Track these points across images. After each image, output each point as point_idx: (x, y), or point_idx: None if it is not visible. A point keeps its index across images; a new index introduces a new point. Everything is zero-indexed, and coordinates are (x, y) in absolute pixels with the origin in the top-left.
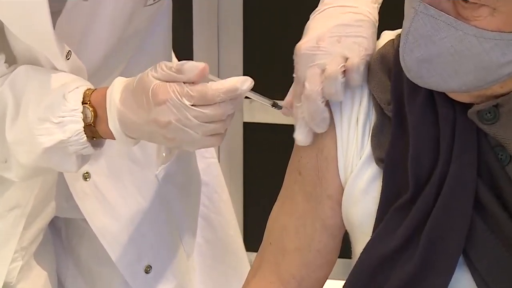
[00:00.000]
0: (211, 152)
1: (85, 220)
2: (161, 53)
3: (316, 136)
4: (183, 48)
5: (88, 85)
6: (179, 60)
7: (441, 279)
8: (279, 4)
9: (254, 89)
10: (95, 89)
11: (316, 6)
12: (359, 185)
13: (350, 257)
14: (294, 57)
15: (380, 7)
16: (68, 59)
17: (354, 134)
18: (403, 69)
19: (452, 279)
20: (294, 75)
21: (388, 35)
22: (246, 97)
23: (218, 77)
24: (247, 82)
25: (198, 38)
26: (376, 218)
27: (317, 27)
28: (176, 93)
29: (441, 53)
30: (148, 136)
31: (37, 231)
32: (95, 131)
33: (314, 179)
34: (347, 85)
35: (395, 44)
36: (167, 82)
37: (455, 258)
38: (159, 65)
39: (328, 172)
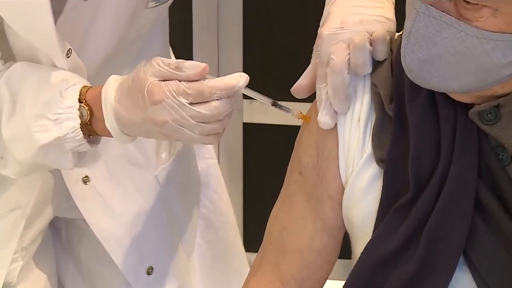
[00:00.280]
0: (211, 152)
1: (85, 220)
2: (161, 55)
3: (316, 136)
4: (183, 50)
5: (85, 82)
6: None
7: (442, 279)
8: (279, 6)
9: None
10: (91, 86)
11: (316, 8)
12: (359, 185)
13: (350, 258)
14: (317, 41)
15: None
16: (68, 57)
17: (356, 133)
18: (405, 69)
19: (453, 280)
20: (316, 60)
21: None
22: (247, 97)
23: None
24: (243, 78)
25: (198, 40)
26: (376, 218)
27: (338, 11)
28: (172, 92)
29: (442, 54)
30: (145, 134)
31: (37, 231)
32: (91, 129)
33: (314, 179)
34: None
35: (396, 42)
36: (163, 79)
37: (455, 258)
38: (155, 61)
39: (329, 172)
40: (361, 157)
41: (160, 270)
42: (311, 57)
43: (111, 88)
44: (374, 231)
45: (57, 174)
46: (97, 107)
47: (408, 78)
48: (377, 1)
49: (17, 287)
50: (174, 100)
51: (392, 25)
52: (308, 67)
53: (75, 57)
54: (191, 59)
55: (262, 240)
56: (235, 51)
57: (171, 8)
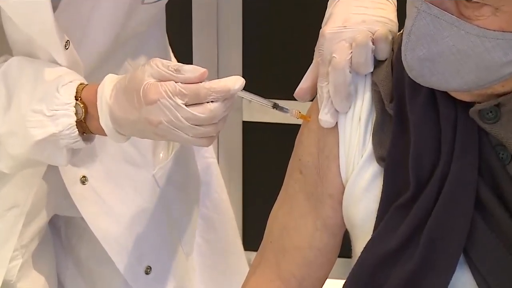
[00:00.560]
0: (211, 152)
1: (84, 219)
2: (159, 56)
3: (317, 135)
4: (182, 50)
5: (81, 79)
6: (178, 62)
7: (442, 278)
8: (278, 6)
9: (253, 91)
10: (87, 84)
11: (315, 9)
12: (360, 184)
13: (350, 256)
14: (319, 39)
15: None
16: (67, 49)
17: (356, 132)
18: (405, 67)
19: (453, 279)
20: (318, 59)
21: None
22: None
23: (217, 78)
24: (239, 82)
25: (197, 40)
26: (376, 217)
27: (340, 11)
28: (168, 92)
29: (443, 52)
30: (139, 133)
31: (37, 229)
32: (85, 127)
33: (315, 178)
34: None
35: (397, 42)
36: (161, 80)
37: (455, 257)
38: (153, 61)
39: (329, 171)
40: (362, 156)
41: (158, 270)
42: (310, 56)
43: (107, 87)
44: (374, 230)
45: (55, 172)
46: (92, 105)
47: (409, 77)
48: (379, 2)
49: (16, 285)
50: (170, 100)
51: (394, 26)
52: (310, 67)
53: (72, 50)
54: (190, 60)
55: (262, 238)
56: (235, 50)
57: (170, 8)
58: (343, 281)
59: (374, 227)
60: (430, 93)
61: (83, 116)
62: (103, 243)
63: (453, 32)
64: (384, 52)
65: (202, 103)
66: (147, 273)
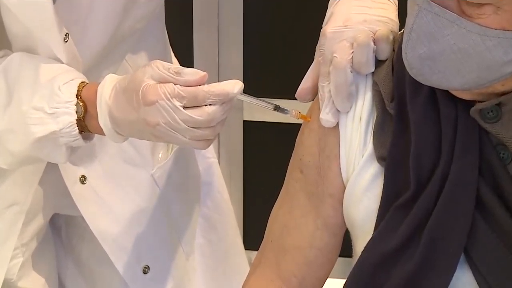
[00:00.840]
0: (212, 152)
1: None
2: (159, 54)
3: (318, 134)
4: (183, 49)
5: (82, 77)
6: (179, 61)
7: (442, 278)
8: (279, 6)
9: (254, 90)
10: (87, 83)
11: (316, 8)
12: (360, 184)
13: (350, 256)
14: (320, 39)
15: None
16: (66, 41)
17: (357, 132)
18: (405, 66)
19: (453, 278)
20: (319, 58)
21: None
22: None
23: (218, 78)
24: (238, 85)
25: (198, 40)
26: (377, 217)
27: (341, 11)
28: (167, 94)
29: (444, 51)
30: (137, 134)
31: (37, 228)
32: (84, 126)
33: (315, 177)
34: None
35: (398, 42)
36: (160, 82)
37: (456, 257)
38: (154, 63)
39: (330, 170)
40: (362, 156)
41: (157, 269)
42: (311, 55)
43: (108, 87)
44: (375, 230)
45: (55, 171)
46: (92, 104)
47: (409, 77)
48: (380, 2)
49: (17, 284)
50: (168, 102)
51: (395, 26)
52: (311, 67)
53: (72, 44)
54: (191, 60)
55: (262, 238)
56: (235, 49)
57: (171, 6)
58: (343, 281)
59: (375, 226)
60: (430, 93)
61: (82, 115)
62: (102, 242)
63: (454, 31)
64: (385, 52)
65: (200, 105)
66: (145, 272)
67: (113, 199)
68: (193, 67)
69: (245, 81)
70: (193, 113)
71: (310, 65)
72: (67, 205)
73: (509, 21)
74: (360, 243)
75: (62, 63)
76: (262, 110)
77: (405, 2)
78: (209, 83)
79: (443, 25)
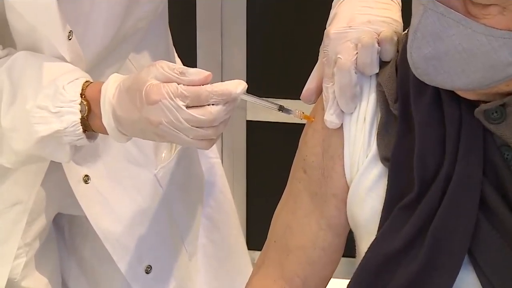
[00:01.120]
0: (215, 152)
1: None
2: (162, 54)
3: (322, 135)
4: (186, 49)
5: (86, 77)
6: (182, 61)
7: (446, 278)
8: (282, 5)
9: (257, 90)
10: (92, 82)
11: (320, 9)
12: (364, 184)
13: (354, 256)
14: (324, 40)
15: None
16: (70, 39)
17: (361, 133)
18: (410, 66)
19: (457, 279)
20: (323, 59)
21: None
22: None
23: (221, 78)
24: (241, 86)
25: (201, 40)
26: (381, 217)
27: (345, 11)
28: (170, 93)
29: (449, 51)
30: (140, 133)
31: (41, 227)
32: (87, 125)
33: (319, 178)
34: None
35: (402, 42)
36: (164, 82)
37: (460, 257)
38: (159, 64)
39: (333, 171)
40: (366, 156)
41: (158, 269)
42: (315, 55)
43: (111, 86)
44: (378, 230)
45: (59, 170)
46: (95, 104)
47: (413, 77)
48: (384, 2)
49: (20, 283)
50: (171, 101)
51: (399, 26)
52: (315, 68)
53: (75, 42)
54: (194, 57)
55: (266, 238)
56: (239, 49)
57: (174, 6)
58: (347, 281)
59: (379, 227)
60: (434, 93)
61: (85, 114)
62: (105, 242)
63: (459, 31)
64: (389, 53)
65: (203, 105)
66: (147, 272)
67: (116, 198)
68: (196, 67)
69: (248, 81)
70: (196, 113)
71: (314, 65)
72: (70, 204)
73: None
74: (363, 244)
75: (66, 61)
76: (265, 110)
77: (409, 2)
78: (212, 83)
79: (448, 25)
